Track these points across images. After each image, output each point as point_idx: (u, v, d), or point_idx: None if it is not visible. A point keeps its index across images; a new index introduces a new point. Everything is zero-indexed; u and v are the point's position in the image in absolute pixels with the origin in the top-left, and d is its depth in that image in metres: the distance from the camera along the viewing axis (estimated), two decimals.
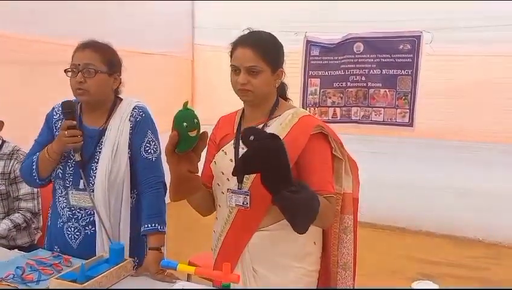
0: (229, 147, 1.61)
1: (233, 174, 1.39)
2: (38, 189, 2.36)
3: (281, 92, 1.66)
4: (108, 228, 1.75)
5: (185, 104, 1.28)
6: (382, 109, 4.24)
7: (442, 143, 4.21)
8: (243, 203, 1.55)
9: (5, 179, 2.28)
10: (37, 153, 1.78)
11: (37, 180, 1.80)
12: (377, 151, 4.38)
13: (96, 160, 1.76)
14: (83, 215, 1.77)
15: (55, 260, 1.69)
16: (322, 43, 4.35)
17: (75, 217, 1.77)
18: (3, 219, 2.26)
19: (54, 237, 1.83)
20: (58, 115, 1.83)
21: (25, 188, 2.30)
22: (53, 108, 1.87)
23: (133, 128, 1.80)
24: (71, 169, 1.77)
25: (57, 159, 1.75)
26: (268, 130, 1.54)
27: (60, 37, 3.21)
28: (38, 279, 1.55)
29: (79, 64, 1.70)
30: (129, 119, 1.80)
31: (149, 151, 1.81)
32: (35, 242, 2.41)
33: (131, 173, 1.80)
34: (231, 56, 1.55)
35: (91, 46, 1.74)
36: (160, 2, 4.52)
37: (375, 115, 4.27)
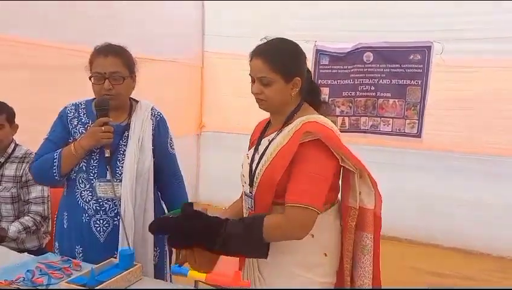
0: (251, 152, 1.65)
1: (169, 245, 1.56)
2: (49, 193, 2.37)
3: (311, 97, 1.62)
4: (131, 218, 1.81)
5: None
6: (391, 119, 4.22)
7: (451, 155, 4.17)
8: (251, 207, 1.59)
9: (17, 182, 2.30)
10: (59, 150, 1.80)
11: (57, 177, 1.80)
12: (385, 161, 4.35)
13: (121, 152, 1.84)
14: (111, 206, 1.82)
15: (64, 264, 1.70)
16: (331, 52, 4.35)
17: (103, 208, 1.82)
18: (13, 221, 2.27)
19: (76, 236, 1.83)
20: (72, 113, 1.88)
21: (35, 192, 2.32)
22: (65, 107, 1.92)
23: (156, 126, 1.94)
24: (95, 162, 1.82)
25: (83, 156, 1.80)
26: (279, 135, 1.55)
27: (71, 42, 3.24)
28: (48, 283, 1.55)
29: (105, 73, 1.77)
30: (150, 118, 1.93)
31: (172, 146, 2.02)
32: (44, 246, 2.42)
33: (155, 168, 1.90)
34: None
35: (112, 53, 1.81)
36: (170, 9, 4.55)
37: (384, 125, 4.26)
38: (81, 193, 1.83)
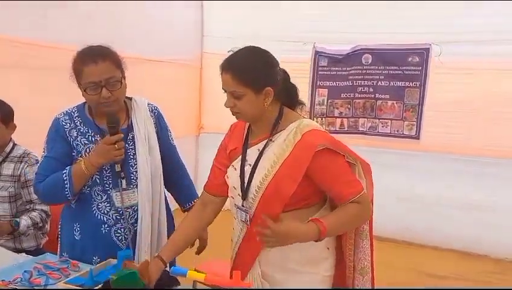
0: (238, 163, 1.62)
1: None
2: None
3: (288, 99, 1.62)
4: (148, 222, 1.80)
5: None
6: (389, 121, 4.23)
7: (449, 156, 4.17)
8: (245, 220, 1.58)
9: (14, 181, 2.29)
10: (68, 169, 1.70)
11: (70, 197, 1.72)
12: (383, 163, 4.36)
13: (130, 156, 1.78)
14: (131, 213, 1.79)
15: (62, 264, 1.69)
16: (330, 54, 4.35)
17: (122, 217, 1.77)
18: (10, 221, 2.25)
19: (93, 247, 1.77)
20: (68, 124, 1.78)
21: None
22: (58, 118, 1.80)
23: (156, 122, 1.91)
24: (108, 172, 1.75)
25: (94, 173, 1.72)
26: (273, 145, 1.55)
27: (70, 42, 3.23)
28: (45, 283, 1.55)
29: (100, 81, 1.65)
30: (150, 115, 1.89)
31: (172, 138, 2.00)
32: (42, 246, 2.41)
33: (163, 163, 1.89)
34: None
35: (102, 57, 1.67)
36: (170, 10, 4.55)
37: (382, 126, 4.26)
38: (97, 205, 1.76)
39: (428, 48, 3.98)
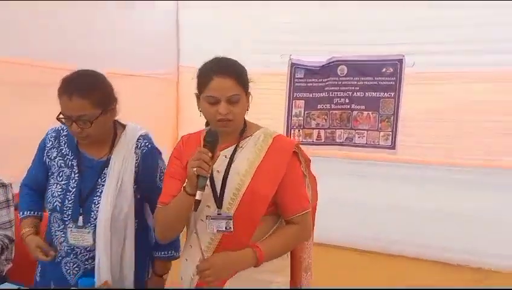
0: None
1: None
2: (13, 217, 2.26)
3: None
4: (107, 269, 1.66)
5: None
6: (365, 132, 4.25)
7: (425, 166, 4.21)
8: (226, 228, 1.50)
9: None
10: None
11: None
12: (360, 173, 4.39)
13: (98, 193, 1.66)
14: (82, 251, 1.68)
15: None
16: (306, 66, 4.38)
17: (73, 252, 1.69)
18: None
19: (50, 272, 1.73)
20: (51, 143, 1.79)
21: (1, 217, 2.21)
22: (47, 134, 1.81)
23: (140, 161, 1.73)
24: (70, 202, 1.66)
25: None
26: (243, 151, 1.54)
27: (45, 59, 3.17)
28: None
29: (71, 116, 1.59)
30: (135, 151, 1.72)
31: (161, 179, 1.74)
32: (4, 274, 2.29)
33: (142, 204, 1.76)
34: (203, 87, 1.50)
35: (77, 93, 1.57)
36: (145, 24, 4.52)
37: (359, 137, 4.28)
38: (55, 232, 1.72)
39: (402, 59, 4.03)
